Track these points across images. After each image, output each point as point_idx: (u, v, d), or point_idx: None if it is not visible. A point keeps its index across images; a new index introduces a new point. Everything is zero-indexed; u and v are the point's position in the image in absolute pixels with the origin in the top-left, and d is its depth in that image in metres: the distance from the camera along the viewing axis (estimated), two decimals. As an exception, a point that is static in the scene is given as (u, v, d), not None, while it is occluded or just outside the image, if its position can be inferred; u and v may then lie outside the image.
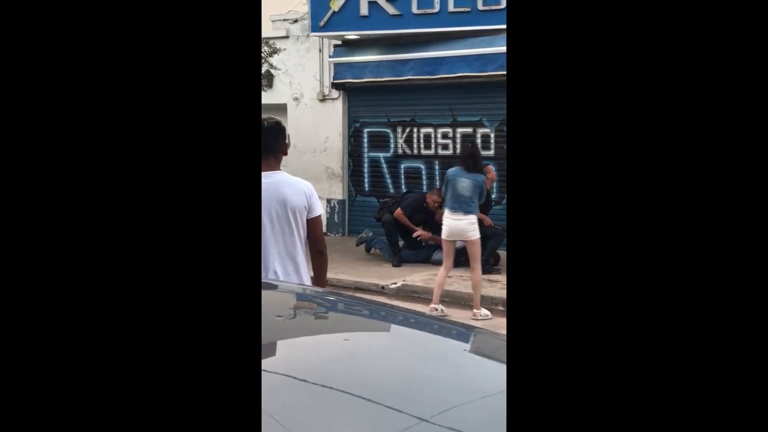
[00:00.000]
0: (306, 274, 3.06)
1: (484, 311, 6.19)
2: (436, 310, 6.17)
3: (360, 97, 10.22)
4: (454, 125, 9.53)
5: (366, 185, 10.37)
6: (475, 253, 6.16)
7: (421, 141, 9.82)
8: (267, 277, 2.94)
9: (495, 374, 1.20)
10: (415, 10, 9.02)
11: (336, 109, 10.43)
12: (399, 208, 8.44)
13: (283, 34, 10.74)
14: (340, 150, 10.42)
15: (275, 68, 10.02)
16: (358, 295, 4.03)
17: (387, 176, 10.15)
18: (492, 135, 9.12)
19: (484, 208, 7.25)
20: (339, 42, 10.15)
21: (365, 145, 10.32)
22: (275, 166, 3.07)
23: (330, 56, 10.27)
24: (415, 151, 9.88)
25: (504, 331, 1.23)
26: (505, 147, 8.13)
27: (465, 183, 6.08)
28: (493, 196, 8.48)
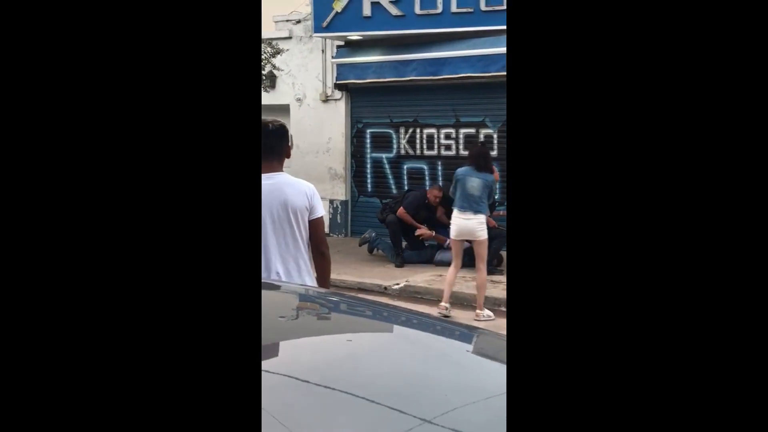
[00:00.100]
0: (308, 275, 3.06)
1: (487, 312, 6.19)
2: (446, 308, 6.17)
3: (363, 97, 10.23)
4: (457, 126, 9.53)
5: (369, 186, 10.37)
6: (482, 254, 6.16)
7: (424, 141, 9.82)
8: (269, 278, 2.94)
9: (497, 375, 1.20)
10: (418, 10, 9.03)
11: (339, 110, 10.44)
12: (401, 207, 8.44)
13: (286, 34, 10.75)
14: (342, 151, 10.43)
15: (278, 69, 10.04)
16: (360, 295, 4.03)
17: (390, 177, 10.16)
18: (495, 135, 9.12)
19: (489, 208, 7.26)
20: (342, 43, 10.16)
21: (368, 145, 10.33)
22: (278, 167, 3.08)
23: (333, 57, 10.28)
24: (418, 152, 9.88)
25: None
26: (508, 148, 8.11)
27: (475, 182, 6.08)
28: (496, 197, 8.49)
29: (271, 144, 3.05)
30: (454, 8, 8.84)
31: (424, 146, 9.82)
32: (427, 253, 8.52)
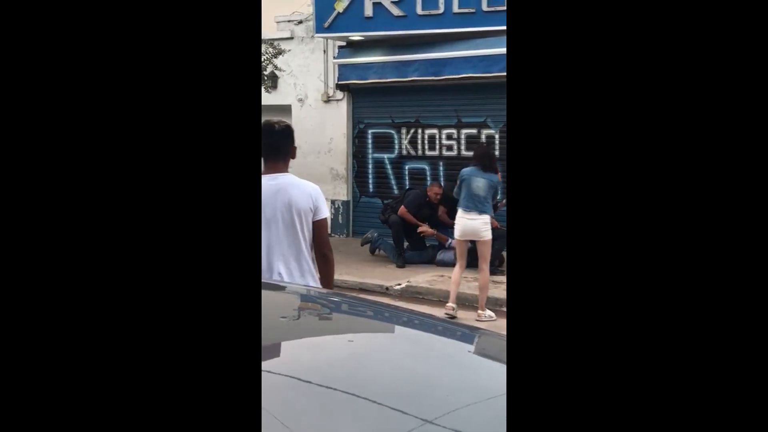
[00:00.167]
0: (311, 276, 3.06)
1: (489, 312, 6.19)
2: (453, 309, 6.17)
3: (364, 98, 10.23)
4: (459, 126, 9.53)
5: (370, 186, 10.37)
6: (485, 254, 6.16)
7: (426, 142, 9.82)
8: (271, 278, 2.94)
9: (499, 376, 1.20)
10: (419, 11, 9.03)
11: (340, 110, 10.45)
12: (402, 207, 8.45)
13: (288, 35, 10.76)
14: (344, 151, 10.43)
15: (280, 69, 10.04)
16: (362, 296, 4.03)
17: (391, 177, 10.16)
18: (496, 136, 9.12)
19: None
20: (343, 43, 10.16)
21: (369, 146, 10.33)
22: (283, 168, 3.09)
23: (334, 57, 10.28)
24: (420, 152, 9.89)
25: (508, 333, 1.23)
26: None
27: (480, 183, 6.09)
28: (498, 197, 8.48)
29: (276, 145, 3.06)
30: (455, 9, 8.84)
31: (426, 147, 9.82)
32: (428, 254, 8.52)
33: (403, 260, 8.34)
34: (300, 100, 10.76)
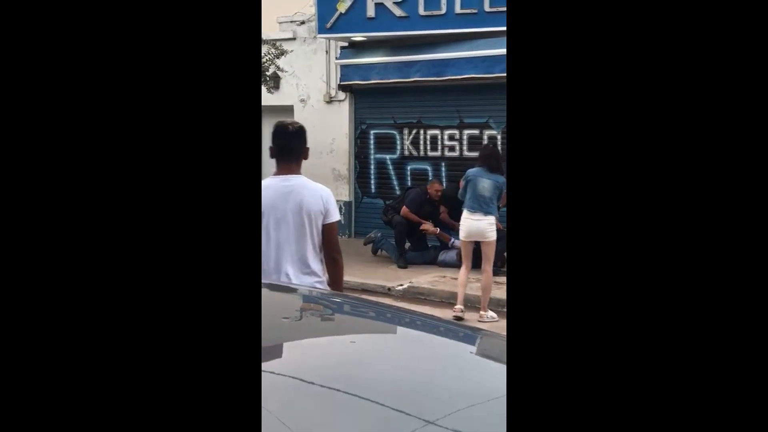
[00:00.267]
0: (318, 278, 3.07)
1: (491, 313, 6.19)
2: (461, 311, 6.17)
3: (366, 98, 10.23)
4: (461, 127, 9.52)
5: (372, 187, 10.37)
6: (489, 255, 6.15)
7: (428, 142, 9.81)
8: (279, 279, 2.95)
9: (500, 377, 1.20)
10: (421, 11, 9.02)
11: (342, 111, 10.44)
12: (404, 206, 8.44)
13: (290, 35, 10.76)
14: (346, 151, 10.43)
15: (282, 70, 10.04)
16: (364, 296, 4.03)
17: (393, 178, 10.15)
18: (499, 137, 9.11)
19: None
20: (346, 44, 10.16)
21: (372, 146, 10.32)
22: (296, 169, 3.09)
23: (337, 58, 10.28)
24: (422, 153, 9.88)
25: (510, 334, 1.23)
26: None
27: (486, 183, 6.08)
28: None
29: (290, 146, 3.07)
30: (458, 9, 8.83)
31: (428, 147, 9.82)
32: (430, 254, 8.51)
33: (404, 261, 8.34)
34: (302, 100, 10.76)
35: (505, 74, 8.79)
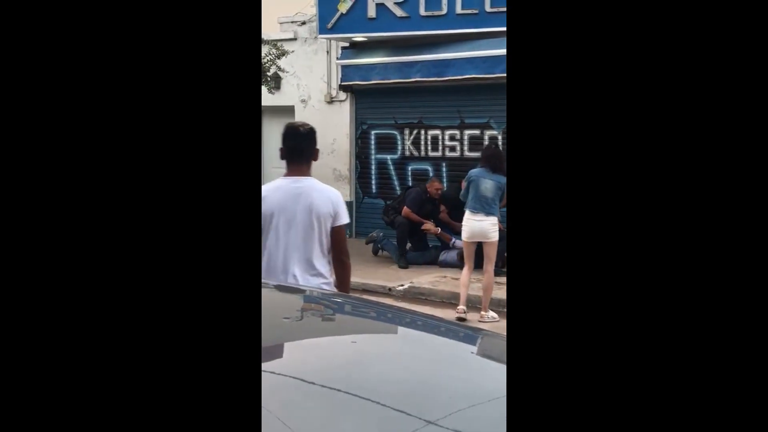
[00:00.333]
0: (325, 280, 3.08)
1: (492, 314, 6.19)
2: (464, 311, 6.17)
3: (367, 99, 10.23)
4: (462, 127, 9.52)
5: (373, 187, 10.37)
6: (491, 255, 6.15)
7: (429, 143, 9.81)
8: (286, 279, 2.96)
9: (501, 377, 1.20)
10: (422, 12, 9.02)
11: (343, 111, 10.45)
12: (405, 206, 8.45)
13: (291, 36, 10.76)
14: (347, 152, 10.43)
15: (283, 70, 10.04)
16: (365, 296, 4.03)
17: (394, 178, 10.16)
18: (500, 137, 9.11)
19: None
20: (347, 44, 10.17)
21: (372, 146, 10.33)
22: (306, 171, 3.11)
23: (338, 58, 10.28)
24: (423, 153, 9.88)
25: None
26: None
27: (488, 184, 6.07)
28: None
29: (300, 147, 3.08)
30: (458, 9, 8.83)
31: (429, 147, 9.82)
32: (431, 254, 8.51)
33: (405, 261, 8.34)
34: (303, 101, 10.77)
35: (505, 75, 8.81)
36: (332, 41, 10.29)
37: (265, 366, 1.09)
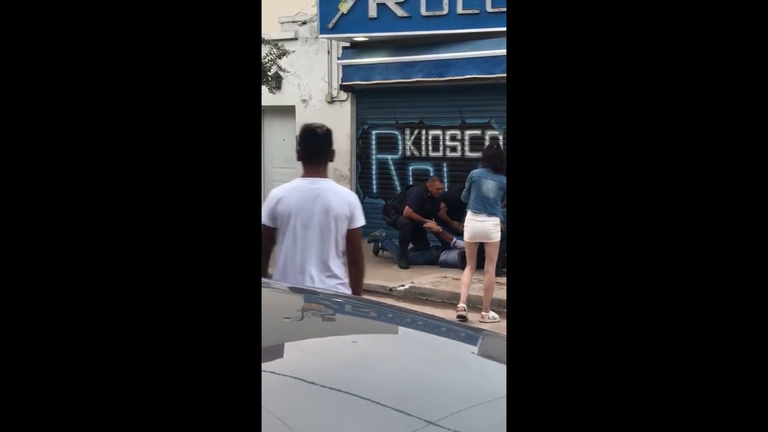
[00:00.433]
0: (340, 280, 3.09)
1: (492, 314, 6.18)
2: (464, 309, 6.16)
3: (368, 99, 10.23)
4: (463, 127, 9.52)
5: (374, 187, 10.37)
6: (493, 256, 6.15)
7: (430, 143, 9.81)
8: (303, 280, 2.97)
9: (502, 377, 1.19)
10: (423, 12, 9.02)
11: (344, 111, 10.45)
12: (407, 207, 8.44)
13: (292, 35, 10.76)
14: (348, 152, 10.43)
15: (284, 70, 10.04)
16: (365, 297, 4.03)
17: (395, 178, 10.16)
18: (501, 137, 9.11)
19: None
20: (347, 44, 10.17)
21: (373, 146, 10.33)
22: (323, 173, 3.12)
23: (338, 58, 10.28)
24: (423, 153, 9.88)
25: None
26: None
27: (490, 184, 6.07)
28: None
29: (318, 148, 3.10)
30: (459, 9, 8.83)
31: (430, 148, 9.82)
32: (431, 254, 8.51)
33: (406, 261, 8.34)
34: (304, 101, 10.77)
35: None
36: (333, 41, 10.29)
37: (265, 366, 1.09)
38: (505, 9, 8.32)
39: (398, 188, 10.00)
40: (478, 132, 9.39)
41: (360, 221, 3.11)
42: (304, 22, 10.70)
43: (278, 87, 10.40)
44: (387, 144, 10.20)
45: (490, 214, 6.07)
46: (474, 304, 6.43)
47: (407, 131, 9.98)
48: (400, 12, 9.18)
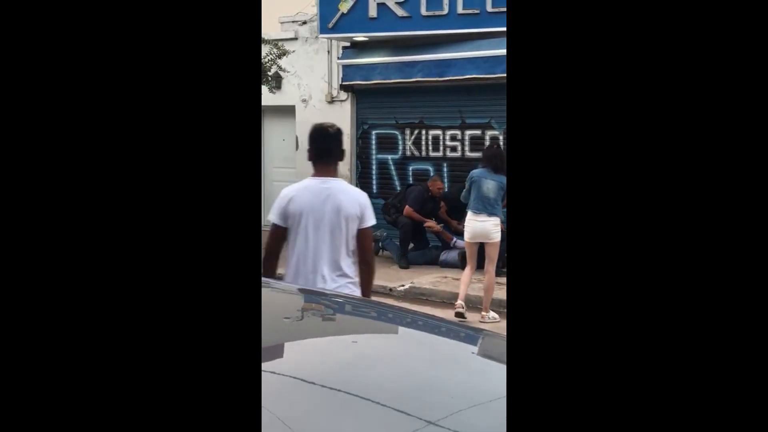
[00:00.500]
0: (351, 279, 3.10)
1: (492, 314, 6.18)
2: (462, 306, 6.16)
3: (368, 98, 10.22)
4: (463, 127, 9.51)
5: (374, 187, 10.36)
6: (493, 256, 6.15)
7: (430, 143, 9.81)
8: (315, 279, 2.98)
9: (502, 377, 1.19)
10: (423, 12, 9.02)
11: (344, 111, 10.44)
12: (407, 206, 8.44)
13: (292, 35, 10.76)
14: (348, 152, 10.42)
15: (284, 70, 10.04)
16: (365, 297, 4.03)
17: (395, 178, 10.15)
18: (501, 137, 9.10)
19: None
20: (348, 44, 10.16)
21: (373, 146, 10.32)
22: (333, 172, 3.14)
23: (338, 58, 10.28)
24: (424, 153, 9.88)
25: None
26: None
27: (490, 184, 6.07)
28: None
29: (329, 148, 3.11)
30: (460, 9, 8.83)
31: (430, 147, 9.81)
32: (431, 254, 8.51)
33: (406, 261, 8.34)
34: (304, 100, 10.77)
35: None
36: (333, 41, 10.29)
37: (265, 366, 1.09)
38: (505, 9, 8.32)
39: (398, 188, 9.99)
40: (478, 132, 9.39)
41: (371, 221, 3.12)
42: (304, 22, 10.69)
43: (278, 87, 10.40)
44: (387, 144, 10.19)
45: (491, 214, 6.07)
46: (474, 304, 6.43)
47: (407, 131, 9.98)
48: (400, 12, 9.18)
